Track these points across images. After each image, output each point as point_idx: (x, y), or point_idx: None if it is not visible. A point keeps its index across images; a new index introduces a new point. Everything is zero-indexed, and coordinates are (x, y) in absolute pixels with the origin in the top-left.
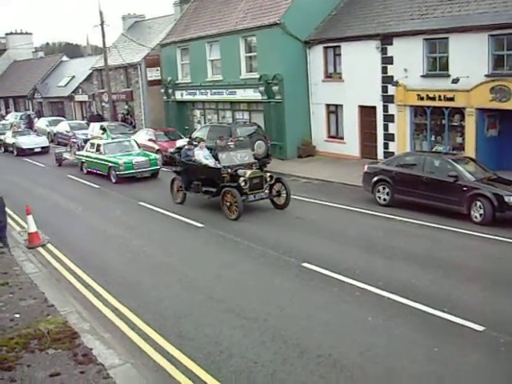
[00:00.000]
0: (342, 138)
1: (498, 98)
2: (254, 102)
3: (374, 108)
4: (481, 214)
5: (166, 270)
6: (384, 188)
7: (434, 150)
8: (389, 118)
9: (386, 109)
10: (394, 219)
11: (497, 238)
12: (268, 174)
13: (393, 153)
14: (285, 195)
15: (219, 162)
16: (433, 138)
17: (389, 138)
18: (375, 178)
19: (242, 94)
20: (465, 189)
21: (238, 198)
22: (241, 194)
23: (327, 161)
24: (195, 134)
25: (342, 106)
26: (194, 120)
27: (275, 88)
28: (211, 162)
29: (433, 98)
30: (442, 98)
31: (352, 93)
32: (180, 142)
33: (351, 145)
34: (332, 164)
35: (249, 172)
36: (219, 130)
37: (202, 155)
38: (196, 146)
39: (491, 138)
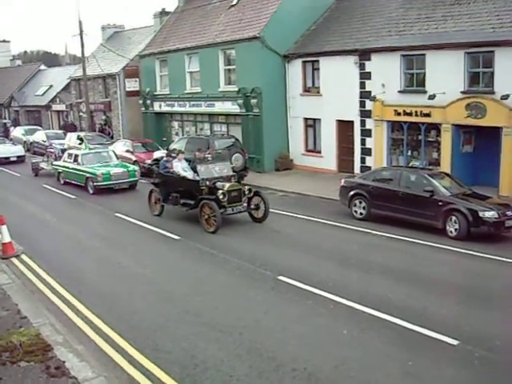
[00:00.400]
0: (320, 152)
1: (473, 115)
2: (232, 115)
3: (351, 122)
4: (456, 229)
5: (142, 281)
6: (360, 202)
7: (410, 164)
8: (366, 133)
9: (363, 123)
10: (370, 233)
11: (472, 252)
12: (246, 187)
13: (370, 167)
14: (263, 209)
15: (198, 175)
16: (409, 153)
17: (366, 152)
18: (352, 192)
19: (221, 107)
20: (440, 204)
21: (217, 211)
22: (219, 206)
23: (304, 174)
24: (173, 146)
25: (319, 120)
26: (171, 132)
27: (253, 101)
28: (190, 174)
29: (410, 114)
30: (419, 113)
31: (330, 107)
32: (158, 154)
33: (328, 159)
34: (309, 177)
35: (227, 185)
36: (197, 142)
37: (180, 167)
38: (174, 157)
39: (466, 153)
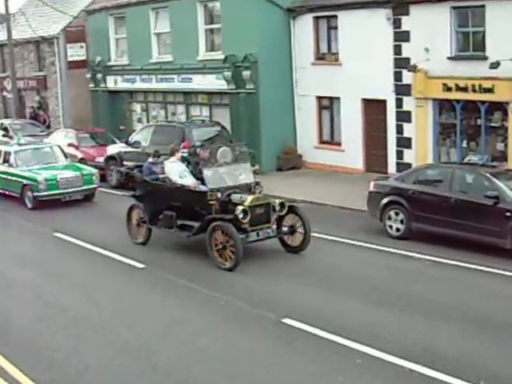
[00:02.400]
0: (340, 144)
1: None
2: (216, 93)
3: (383, 102)
4: None
5: (93, 328)
6: (397, 214)
7: (466, 160)
8: (404, 117)
9: (399, 103)
10: (410, 257)
11: None
12: (277, 201)
13: (409, 164)
14: (302, 232)
15: (203, 183)
16: (464, 145)
17: (404, 143)
18: (385, 200)
19: (200, 82)
20: (508, 214)
21: (236, 238)
22: (238, 230)
23: (318, 175)
24: (134, 137)
25: (338, 99)
26: (132, 117)
27: (246, 73)
28: (190, 182)
29: (464, 89)
30: (477, 88)
31: (353, 81)
32: (113, 149)
33: (351, 153)
34: (325, 180)
35: (249, 198)
36: (168, 132)
37: (176, 171)
38: (161, 157)
39: None
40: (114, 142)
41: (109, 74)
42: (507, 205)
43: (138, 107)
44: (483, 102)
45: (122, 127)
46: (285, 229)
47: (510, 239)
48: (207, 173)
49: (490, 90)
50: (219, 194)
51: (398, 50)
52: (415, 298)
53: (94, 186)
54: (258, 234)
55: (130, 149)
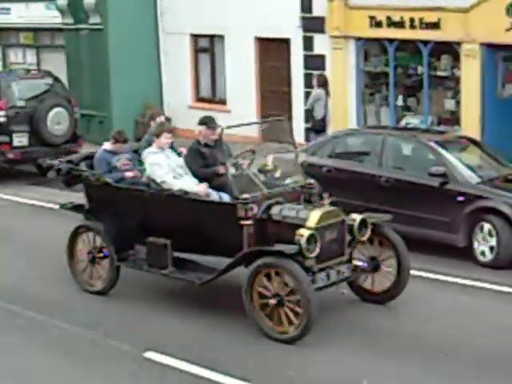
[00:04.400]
0: (224, 103)
1: None
2: (46, 30)
3: (285, 42)
4: (491, 248)
5: None
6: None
7: (402, 124)
8: (315, 63)
9: (309, 44)
10: None
11: None
12: (358, 218)
13: (323, 131)
14: (395, 270)
15: (214, 187)
16: (400, 102)
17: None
18: None
19: (23, 14)
20: (460, 199)
21: (305, 286)
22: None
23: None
24: None
25: (222, 37)
26: None
27: (89, 1)
28: (196, 187)
29: (400, 24)
30: (418, 23)
31: (242, 11)
32: None
33: (241, 115)
34: None
35: (317, 214)
36: None
37: (165, 167)
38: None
39: (510, 99)
40: None
41: None
42: (459, 186)
43: None
44: (426, 43)
45: None
46: (362, 264)
47: (462, 233)
48: (234, 174)
49: (435, 26)
50: (255, 208)
51: None
52: None
53: None
54: (328, 276)
55: None
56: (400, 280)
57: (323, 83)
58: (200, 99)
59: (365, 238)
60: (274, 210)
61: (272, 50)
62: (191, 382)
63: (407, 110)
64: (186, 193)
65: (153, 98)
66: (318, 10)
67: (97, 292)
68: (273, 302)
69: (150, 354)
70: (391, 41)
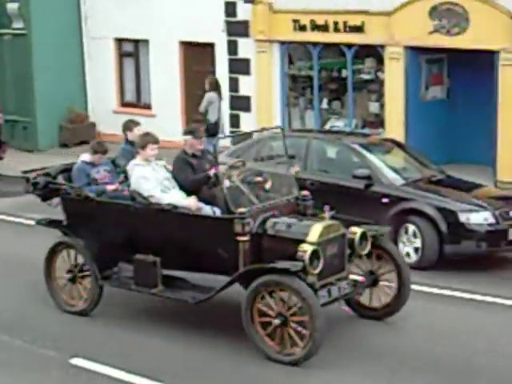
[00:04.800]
0: (149, 108)
1: (443, 28)
2: None
3: (210, 47)
4: (416, 249)
5: None
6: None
7: (327, 127)
8: (240, 67)
9: (233, 49)
10: None
11: (460, 294)
12: (359, 231)
13: (248, 134)
14: (393, 282)
15: (203, 200)
16: (325, 105)
17: (240, 104)
18: None
19: None
20: (385, 201)
21: (313, 303)
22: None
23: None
24: None
25: (147, 42)
26: None
27: (12, 6)
28: (185, 201)
29: (324, 28)
30: (342, 26)
31: (167, 16)
32: None
33: (166, 120)
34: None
35: (318, 228)
36: None
37: (153, 181)
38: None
39: (434, 102)
40: None
41: None
42: (384, 188)
43: None
44: (350, 46)
45: None
46: (360, 278)
47: None
48: (227, 186)
49: (359, 29)
50: (251, 222)
51: None
52: None
53: None
54: (329, 293)
55: None
56: (400, 295)
57: (215, 87)
58: (125, 104)
59: (365, 252)
60: (270, 224)
61: (197, 54)
62: None
63: (332, 113)
64: (176, 207)
65: (78, 102)
66: (242, 14)
67: (78, 313)
68: (277, 322)
69: (76, 361)
70: (315, 44)
